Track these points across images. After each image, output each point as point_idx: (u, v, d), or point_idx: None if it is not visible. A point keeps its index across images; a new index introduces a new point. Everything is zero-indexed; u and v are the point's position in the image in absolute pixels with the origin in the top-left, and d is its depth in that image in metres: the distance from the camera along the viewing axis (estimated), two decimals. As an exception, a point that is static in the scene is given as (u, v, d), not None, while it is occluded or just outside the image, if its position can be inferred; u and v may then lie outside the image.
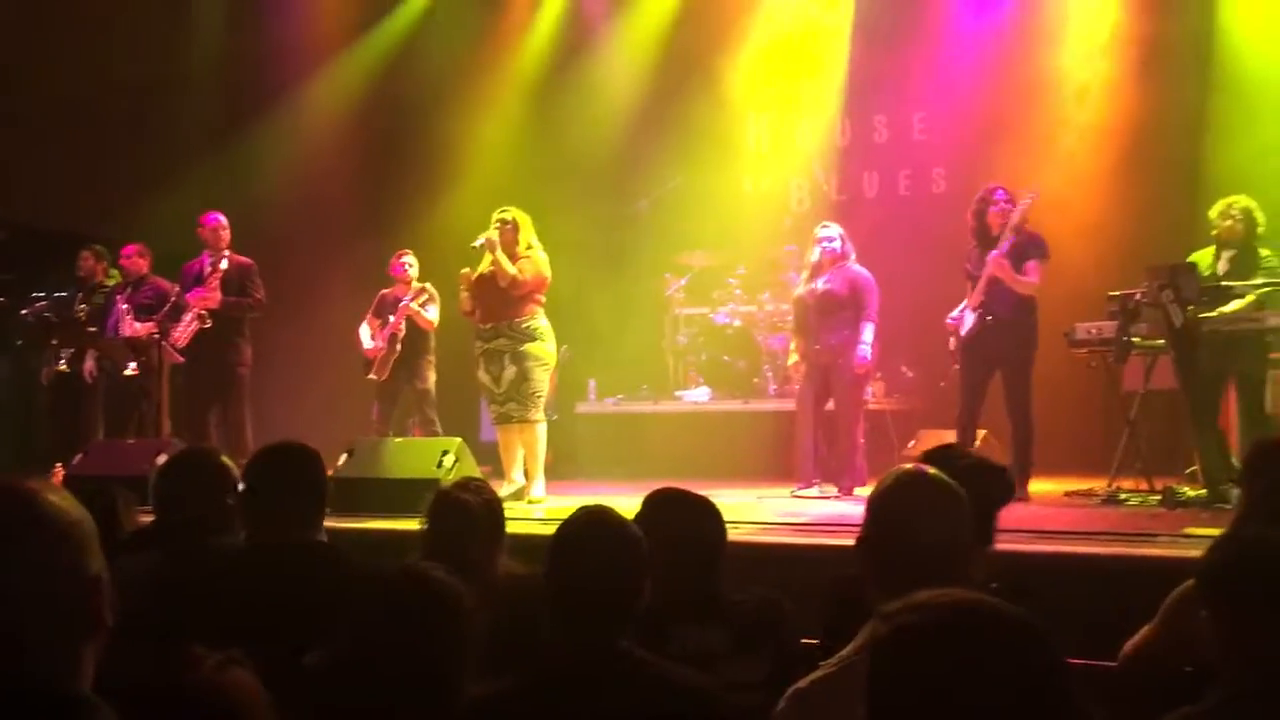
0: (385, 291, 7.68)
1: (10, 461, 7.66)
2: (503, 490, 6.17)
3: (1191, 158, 7.75)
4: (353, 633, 2.08)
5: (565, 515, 2.41)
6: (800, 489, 6.61)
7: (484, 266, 6.54)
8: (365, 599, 2.14)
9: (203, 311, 7.36)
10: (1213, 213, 6.10)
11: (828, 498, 6.46)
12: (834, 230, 6.74)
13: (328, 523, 3.06)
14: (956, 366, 6.54)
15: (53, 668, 1.40)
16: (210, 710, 1.84)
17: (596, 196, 9.47)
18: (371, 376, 7.49)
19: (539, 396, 6.51)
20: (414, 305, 7.33)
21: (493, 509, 3.07)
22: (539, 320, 6.52)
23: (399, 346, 7.37)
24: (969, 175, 8.11)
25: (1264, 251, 6.02)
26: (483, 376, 6.58)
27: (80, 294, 7.87)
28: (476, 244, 6.46)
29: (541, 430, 6.54)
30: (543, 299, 6.58)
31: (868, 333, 6.57)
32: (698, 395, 8.82)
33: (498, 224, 6.49)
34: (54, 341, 7.76)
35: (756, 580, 3.18)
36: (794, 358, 6.94)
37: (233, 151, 9.04)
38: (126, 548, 3.03)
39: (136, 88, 8.87)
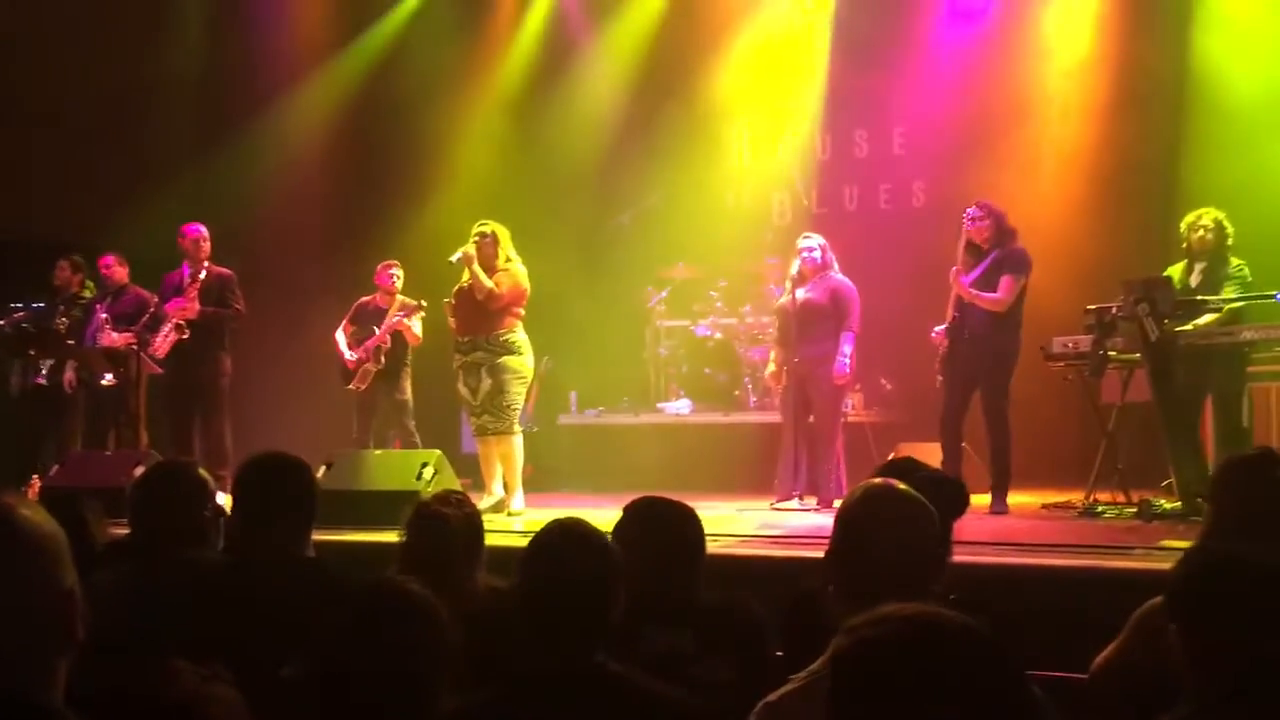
0: (364, 299, 7.68)
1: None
2: (482, 503, 6.16)
3: (1168, 173, 7.82)
4: (329, 646, 2.07)
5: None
6: (779, 501, 6.63)
7: (464, 280, 6.55)
8: (341, 612, 2.14)
9: (180, 322, 7.34)
10: (1183, 225, 6.16)
11: (807, 510, 6.47)
12: (815, 241, 6.76)
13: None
14: (941, 378, 6.56)
15: (25, 680, 1.40)
16: None
17: (578, 209, 9.49)
18: (351, 387, 7.48)
19: (514, 409, 6.52)
20: (406, 321, 7.33)
21: (472, 523, 3.07)
22: (517, 334, 6.54)
23: (383, 360, 7.39)
24: (948, 190, 8.17)
25: (1235, 261, 6.08)
26: (462, 389, 6.60)
27: (60, 305, 7.83)
28: (453, 259, 6.48)
29: (518, 442, 6.55)
30: (521, 312, 6.60)
31: (847, 344, 6.58)
32: (679, 407, 8.84)
33: (476, 237, 6.51)
34: (31, 353, 7.71)
35: (732, 591, 3.19)
36: (771, 368, 6.96)
37: (214, 161, 9.02)
38: (101, 561, 3.02)
39: (116, 96, 8.84)
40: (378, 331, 7.43)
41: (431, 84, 9.73)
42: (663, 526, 2.83)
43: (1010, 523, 5.75)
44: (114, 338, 7.45)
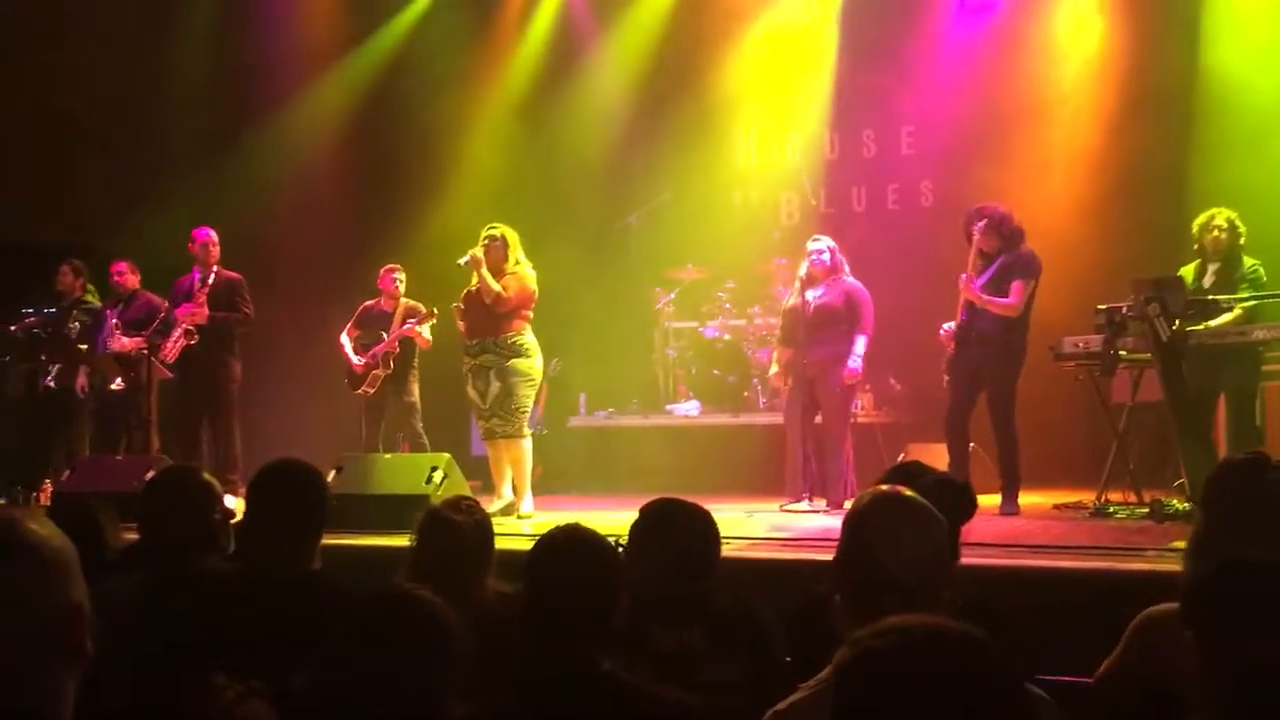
0: (369, 303, 7.69)
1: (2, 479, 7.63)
2: (492, 506, 6.16)
3: (1178, 173, 7.78)
4: (338, 654, 2.07)
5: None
6: (789, 503, 6.61)
7: (473, 283, 6.56)
8: (351, 620, 2.13)
9: (190, 327, 7.35)
10: (1195, 226, 6.13)
11: (817, 512, 6.46)
12: (824, 243, 6.75)
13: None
14: (948, 378, 6.54)
15: (33, 697, 1.39)
16: None
17: (586, 211, 9.49)
18: (360, 392, 7.51)
19: (523, 412, 6.52)
20: (418, 329, 7.35)
21: (482, 529, 3.07)
22: (526, 336, 6.54)
23: (391, 365, 7.42)
24: (957, 190, 8.14)
25: (1249, 261, 6.06)
26: (471, 392, 6.60)
27: (72, 310, 7.85)
28: (461, 262, 6.48)
29: (527, 445, 6.56)
30: (530, 315, 6.60)
31: (860, 345, 6.57)
32: (688, 409, 8.83)
33: (485, 240, 6.52)
34: (43, 358, 7.73)
35: (745, 594, 3.19)
36: (775, 368, 6.92)
37: (223, 165, 9.03)
38: (114, 568, 3.02)
39: (125, 100, 8.86)
40: (385, 337, 7.45)
41: (440, 85, 9.73)
42: (679, 528, 2.83)
43: (1021, 524, 5.73)
44: (124, 343, 7.47)
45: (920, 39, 8.89)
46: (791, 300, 6.78)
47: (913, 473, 2.62)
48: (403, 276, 7.63)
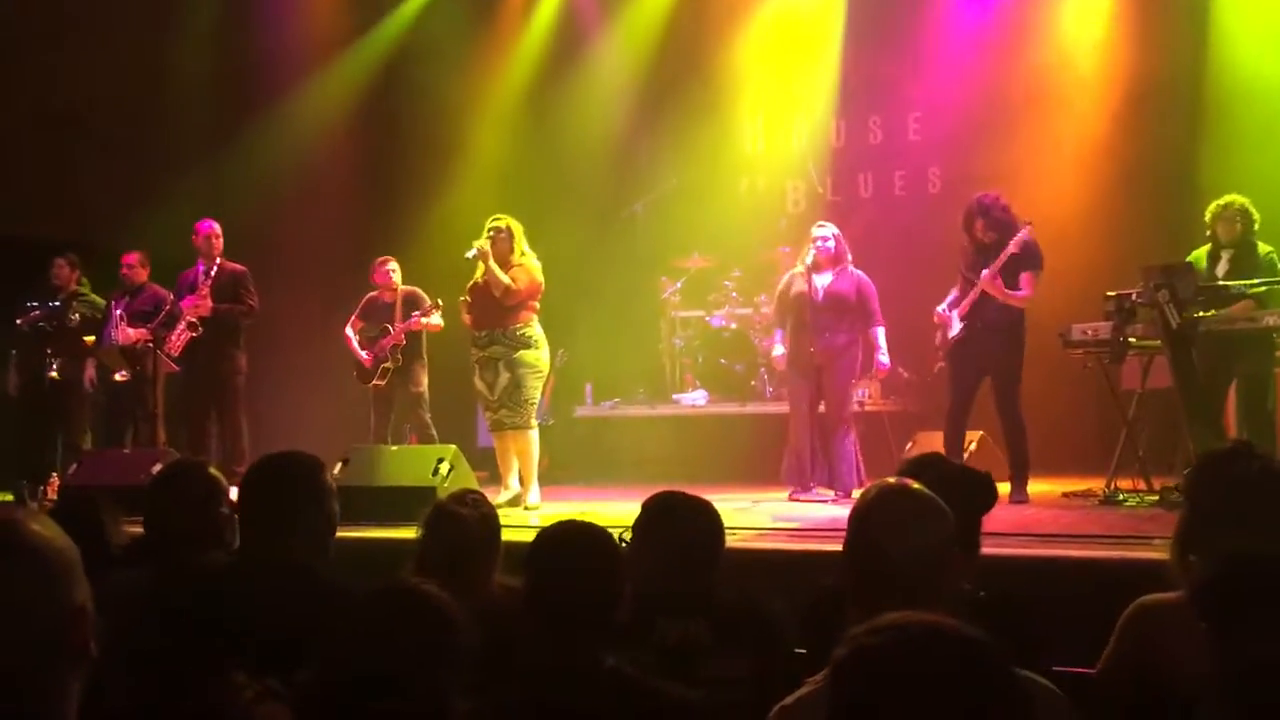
0: (373, 295, 7.70)
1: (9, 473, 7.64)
2: (499, 498, 6.16)
3: (1187, 159, 7.74)
4: (343, 648, 2.06)
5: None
6: (797, 493, 6.60)
7: (478, 275, 6.54)
8: (356, 614, 2.12)
9: (194, 320, 7.35)
10: (1209, 213, 6.10)
11: (825, 501, 6.44)
12: (829, 230, 6.72)
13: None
14: (942, 364, 6.54)
15: (37, 700, 1.38)
16: None
17: (592, 200, 9.47)
18: (371, 385, 7.52)
19: (531, 404, 6.52)
20: (424, 320, 7.36)
21: (489, 523, 3.05)
22: (534, 328, 6.54)
23: (399, 357, 7.43)
24: (964, 176, 8.11)
25: (1265, 248, 6.03)
26: (478, 384, 6.59)
27: (71, 303, 7.85)
28: (469, 255, 6.47)
29: (534, 437, 6.56)
30: (537, 306, 6.59)
31: (882, 338, 6.65)
32: (694, 398, 8.81)
33: (491, 233, 6.50)
34: (48, 351, 7.73)
35: (753, 586, 3.17)
36: (780, 350, 6.81)
37: (226, 159, 9.02)
38: (119, 562, 3.01)
39: (127, 96, 8.84)
40: (390, 329, 7.45)
41: (444, 75, 9.71)
42: (682, 522, 2.82)
43: (1031, 512, 5.70)
44: (129, 333, 7.47)
45: (928, 25, 8.84)
46: (799, 286, 6.71)
47: (932, 463, 2.61)
48: (396, 266, 7.64)
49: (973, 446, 7.04)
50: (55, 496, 7.02)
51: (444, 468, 6.04)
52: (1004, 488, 6.06)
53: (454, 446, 6.37)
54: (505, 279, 6.40)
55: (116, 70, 8.71)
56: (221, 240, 7.57)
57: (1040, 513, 5.65)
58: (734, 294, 8.88)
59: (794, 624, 2.85)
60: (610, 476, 8.03)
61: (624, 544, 2.66)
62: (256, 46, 9.42)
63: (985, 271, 6.24)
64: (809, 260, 6.63)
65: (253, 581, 2.65)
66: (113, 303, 7.66)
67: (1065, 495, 6.28)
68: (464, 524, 2.97)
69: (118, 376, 7.47)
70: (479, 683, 2.05)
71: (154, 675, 1.97)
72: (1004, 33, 8.67)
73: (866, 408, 8.04)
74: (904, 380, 8.42)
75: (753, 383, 8.72)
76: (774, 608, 2.84)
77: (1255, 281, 5.87)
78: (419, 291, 7.57)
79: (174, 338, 7.37)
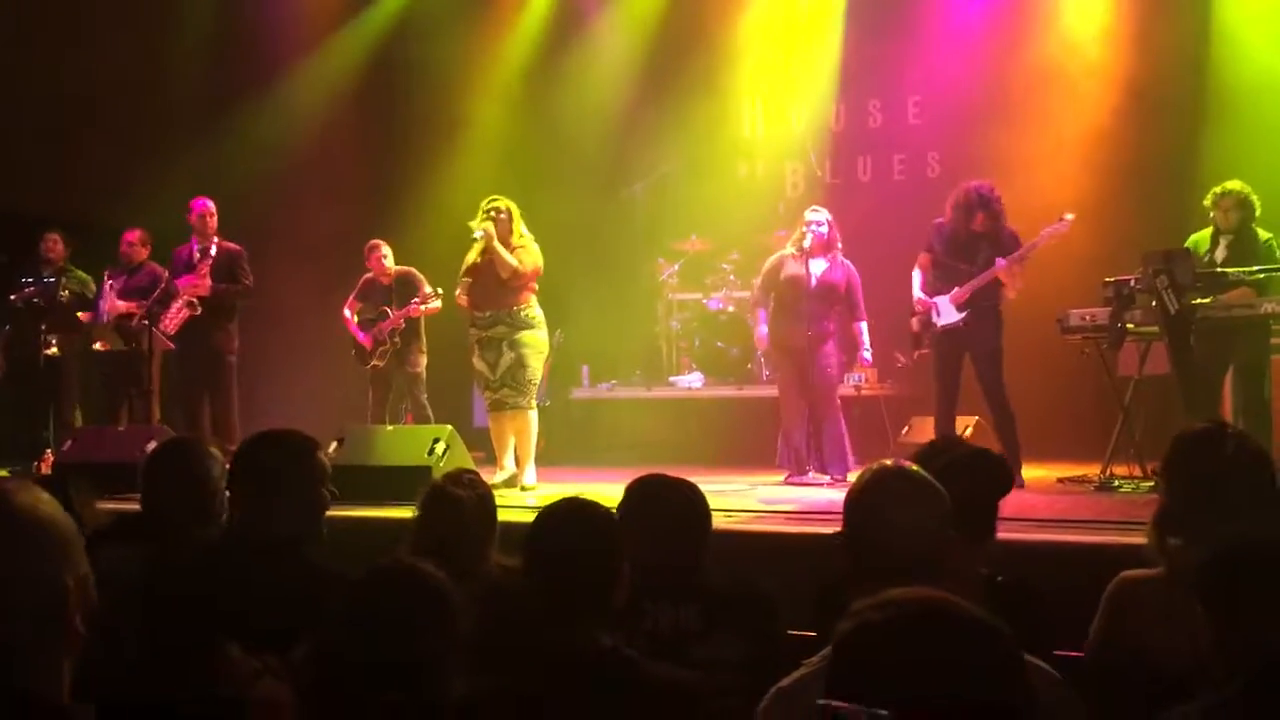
0: (369, 276, 7.69)
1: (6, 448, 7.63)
2: (494, 478, 6.16)
3: (1187, 145, 7.72)
4: (340, 627, 2.06)
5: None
6: (793, 477, 6.60)
7: (475, 255, 6.52)
8: (353, 593, 2.12)
9: (193, 299, 7.33)
10: (1208, 199, 6.09)
11: (821, 485, 6.44)
12: (823, 215, 6.71)
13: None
14: (923, 351, 6.50)
15: (24, 675, 1.37)
16: None
17: (590, 181, 9.43)
18: (370, 365, 7.52)
19: (534, 384, 6.54)
20: (423, 308, 7.38)
21: (485, 503, 3.05)
22: (534, 309, 6.55)
23: (397, 339, 7.44)
24: (964, 160, 8.08)
25: (1264, 235, 6.01)
26: (478, 363, 6.57)
27: (61, 278, 7.82)
28: (477, 234, 6.42)
29: (534, 417, 6.57)
30: (536, 287, 6.58)
31: (866, 333, 6.68)
32: (691, 381, 8.81)
33: (491, 213, 6.47)
34: (43, 327, 7.71)
35: (749, 569, 3.17)
36: (764, 329, 6.78)
37: (223, 136, 8.97)
38: (110, 538, 3.01)
39: (125, 71, 8.78)
40: (389, 311, 7.47)
41: (443, 54, 9.66)
42: (666, 504, 2.81)
43: (1026, 497, 5.69)
44: (117, 304, 7.45)
45: (929, 9, 8.81)
46: (792, 270, 6.68)
47: (948, 447, 2.61)
48: (388, 251, 7.67)
49: (968, 432, 7.03)
50: (48, 472, 7.00)
51: (439, 448, 6.04)
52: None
53: (450, 427, 6.36)
54: (513, 261, 6.40)
55: (114, 47, 8.65)
56: (216, 219, 7.54)
57: (1035, 498, 5.65)
58: (731, 277, 8.86)
59: (788, 606, 2.85)
60: (606, 458, 8.03)
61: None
62: (254, 24, 9.35)
63: (1001, 260, 6.21)
64: (807, 245, 6.61)
65: (242, 558, 2.65)
66: (106, 276, 7.63)
67: (1061, 480, 6.28)
68: (461, 505, 2.96)
69: (96, 345, 7.46)
70: (476, 662, 2.05)
71: (149, 651, 1.97)
72: (1006, 19, 8.63)
73: (863, 392, 8.04)
74: (900, 365, 8.42)
75: (749, 366, 8.71)
76: (766, 589, 2.84)
77: (1254, 269, 5.86)
78: (414, 272, 7.57)
79: (170, 316, 7.35)
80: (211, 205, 7.55)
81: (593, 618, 2.19)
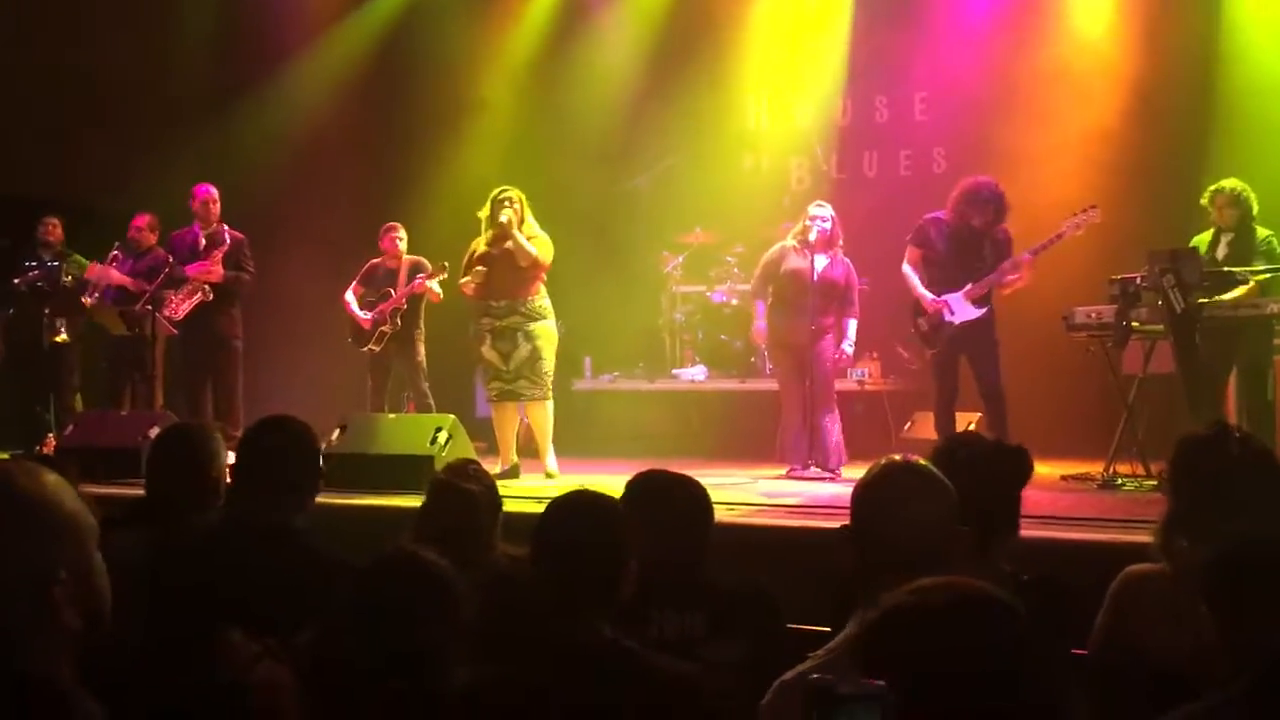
0: (374, 261, 7.67)
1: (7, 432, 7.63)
2: (495, 469, 6.16)
3: (1195, 143, 7.69)
4: (343, 613, 2.05)
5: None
6: (795, 470, 6.59)
7: (483, 244, 6.50)
8: (356, 580, 2.11)
9: (205, 285, 7.33)
10: (1204, 199, 6.08)
11: (823, 479, 6.43)
12: (828, 210, 6.70)
13: (322, 499, 3.03)
14: (936, 350, 6.43)
15: (25, 655, 1.35)
16: (236, 706, 1.80)
17: (594, 173, 9.40)
18: (365, 350, 7.49)
19: (549, 375, 6.58)
20: (430, 283, 7.34)
21: (492, 494, 3.06)
22: (545, 299, 6.59)
23: (399, 321, 7.40)
24: (970, 157, 8.05)
25: (1263, 233, 6.00)
26: (489, 353, 6.56)
27: (63, 263, 7.82)
28: (503, 218, 6.38)
29: (550, 407, 6.61)
30: (544, 277, 6.58)
31: (853, 329, 6.68)
32: (694, 374, 8.80)
33: (504, 202, 6.45)
34: (47, 311, 7.71)
35: (751, 563, 3.17)
36: (760, 323, 6.79)
37: (226, 123, 8.96)
38: (116, 523, 3.01)
39: (130, 57, 8.77)
40: (394, 294, 7.42)
41: (449, 44, 9.63)
42: (668, 501, 2.78)
43: (1029, 494, 5.63)
44: (113, 273, 7.45)
45: (937, 4, 8.77)
46: (794, 264, 6.67)
47: (967, 441, 2.61)
48: (403, 235, 7.62)
49: (971, 428, 7.02)
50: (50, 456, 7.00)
51: (442, 437, 6.04)
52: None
53: (452, 416, 6.36)
54: (533, 250, 6.39)
55: (119, 33, 8.64)
56: (218, 205, 7.53)
57: (1038, 495, 5.59)
58: (736, 270, 8.84)
59: (789, 600, 2.84)
60: (607, 450, 8.00)
61: None
62: (260, 11, 9.33)
63: (1027, 254, 6.19)
64: (812, 239, 6.58)
65: (244, 543, 2.65)
66: (116, 246, 7.60)
67: (1063, 478, 6.27)
68: (470, 498, 2.96)
69: (59, 337, 7.47)
70: (479, 651, 2.05)
71: (150, 636, 1.96)
72: (1014, 16, 8.59)
73: (866, 387, 8.03)
74: (903, 360, 8.41)
75: (752, 359, 8.69)
76: (768, 587, 2.82)
77: (1261, 268, 5.85)
78: (423, 261, 7.54)
79: (179, 301, 7.34)
80: (214, 192, 7.54)
81: (597, 609, 2.18)
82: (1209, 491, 2.43)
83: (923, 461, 2.18)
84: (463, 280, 6.58)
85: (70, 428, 6.97)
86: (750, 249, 8.87)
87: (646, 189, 9.29)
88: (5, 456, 7.00)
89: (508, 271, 6.45)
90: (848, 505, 2.18)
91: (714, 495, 2.96)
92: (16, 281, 7.78)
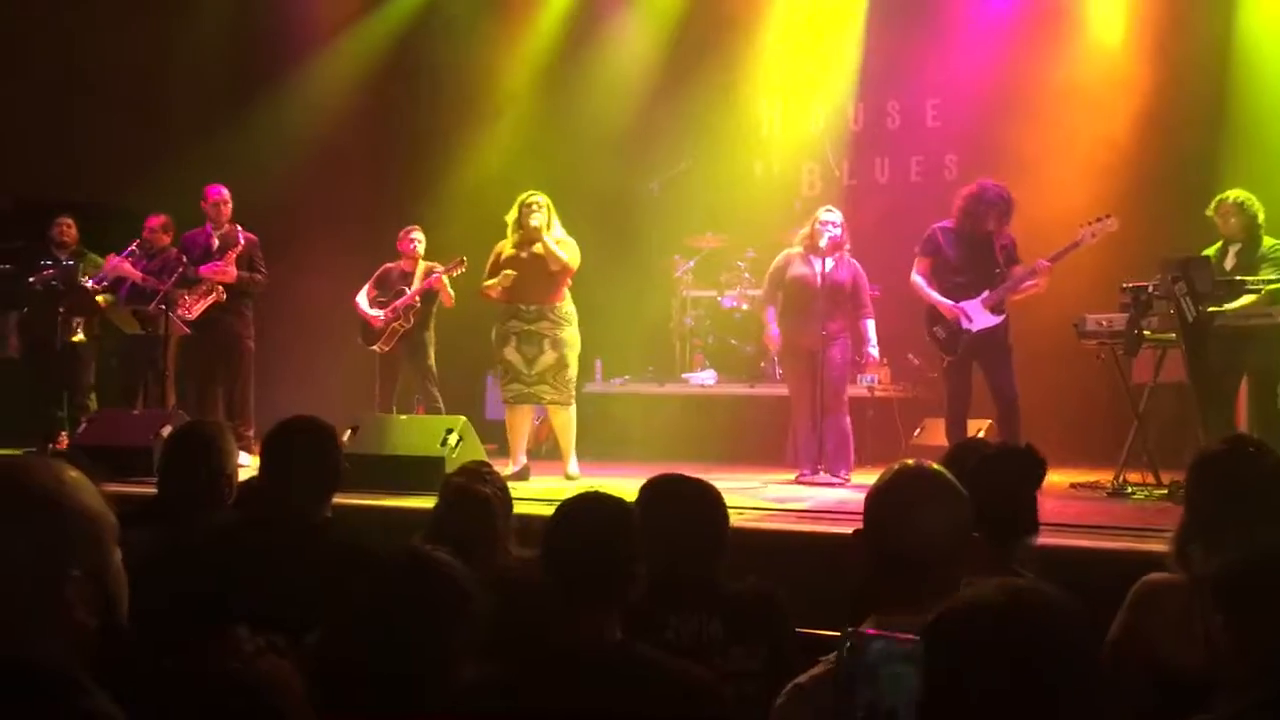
0: (389, 265, 7.69)
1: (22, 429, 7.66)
2: (507, 469, 6.17)
3: (1207, 152, 7.68)
4: (353, 611, 2.06)
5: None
6: (805, 475, 6.59)
7: (508, 248, 6.51)
8: (367, 579, 2.12)
9: (219, 286, 7.36)
10: (1209, 210, 6.08)
11: (832, 484, 6.43)
12: (837, 215, 6.71)
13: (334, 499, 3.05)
14: (952, 359, 6.41)
15: (36, 648, 1.36)
16: (241, 701, 1.81)
17: (607, 177, 9.41)
18: (376, 348, 7.51)
19: (573, 381, 6.65)
20: (446, 282, 7.36)
21: (504, 496, 3.08)
22: (570, 304, 6.66)
23: (411, 319, 7.41)
24: (981, 163, 8.04)
25: (1269, 241, 5.99)
26: (513, 355, 6.57)
27: (79, 262, 7.86)
28: (535, 223, 6.42)
29: (573, 412, 6.66)
30: (570, 282, 6.65)
31: (873, 330, 6.67)
32: (704, 378, 8.80)
33: (533, 206, 6.48)
34: (61, 310, 7.75)
35: (760, 567, 3.17)
36: (771, 328, 6.81)
37: (244, 123, 9.00)
38: (127, 521, 3.03)
39: (143, 59, 8.81)
40: (407, 291, 7.44)
41: (463, 47, 9.66)
42: (684, 506, 2.78)
43: (1038, 501, 5.68)
44: (126, 265, 7.47)
45: (951, 12, 8.78)
46: (799, 269, 6.68)
47: (974, 446, 2.61)
48: (421, 237, 7.63)
49: (981, 435, 7.01)
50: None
51: (453, 439, 6.05)
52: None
53: (463, 418, 6.37)
54: (564, 255, 6.43)
55: (133, 32, 8.68)
56: (230, 206, 7.56)
57: (1048, 502, 5.56)
58: (746, 275, 8.84)
59: (798, 604, 2.84)
60: (617, 454, 8.01)
61: None
62: (277, 9, 9.37)
63: (1046, 261, 6.17)
64: (823, 244, 6.58)
65: (274, 536, 2.67)
66: (135, 245, 7.63)
67: (1073, 486, 6.26)
68: (483, 500, 2.98)
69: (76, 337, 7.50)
70: (489, 651, 2.05)
71: (156, 631, 1.97)
72: (1027, 25, 8.60)
73: (876, 393, 8.02)
74: (914, 367, 8.40)
75: (762, 364, 8.70)
76: (780, 592, 2.82)
77: (1272, 278, 5.83)
78: (438, 266, 7.54)
79: (192, 301, 7.37)
80: (226, 193, 7.56)
81: (607, 611, 2.18)
82: (1223, 504, 2.44)
83: (937, 466, 2.17)
84: (489, 283, 6.59)
85: (83, 426, 7.00)
86: (761, 254, 8.88)
87: (659, 193, 9.30)
88: (18, 454, 7.05)
89: (538, 276, 6.49)
90: (856, 510, 2.18)
91: (722, 498, 2.96)
92: (31, 280, 7.82)
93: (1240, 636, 1.84)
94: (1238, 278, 5.86)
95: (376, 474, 5.69)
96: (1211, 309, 5.60)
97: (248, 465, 5.92)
